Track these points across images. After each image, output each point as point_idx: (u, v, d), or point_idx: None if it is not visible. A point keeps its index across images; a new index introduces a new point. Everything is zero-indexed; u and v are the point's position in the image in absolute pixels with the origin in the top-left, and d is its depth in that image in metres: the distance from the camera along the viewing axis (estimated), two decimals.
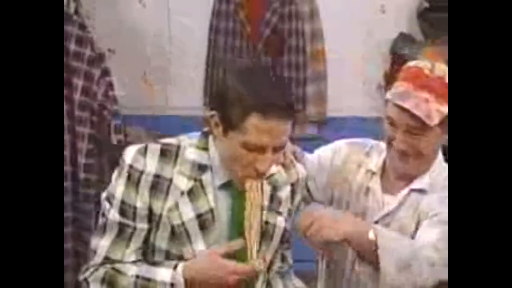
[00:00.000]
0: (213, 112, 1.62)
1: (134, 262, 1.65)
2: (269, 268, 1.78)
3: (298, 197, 1.81)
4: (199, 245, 1.64)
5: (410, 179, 1.87)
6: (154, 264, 1.65)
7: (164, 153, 1.65)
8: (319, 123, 3.97)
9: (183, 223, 1.63)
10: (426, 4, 3.76)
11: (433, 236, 1.75)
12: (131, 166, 1.64)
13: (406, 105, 1.74)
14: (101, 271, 1.64)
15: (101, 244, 1.66)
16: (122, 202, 1.64)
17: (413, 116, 1.74)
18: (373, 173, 1.91)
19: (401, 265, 1.70)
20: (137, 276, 1.61)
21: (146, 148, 1.66)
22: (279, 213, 1.72)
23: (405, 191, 1.87)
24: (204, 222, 1.64)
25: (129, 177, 1.64)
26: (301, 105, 3.95)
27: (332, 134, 3.99)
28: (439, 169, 1.87)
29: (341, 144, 2.01)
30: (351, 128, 3.84)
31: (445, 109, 1.74)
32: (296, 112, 3.91)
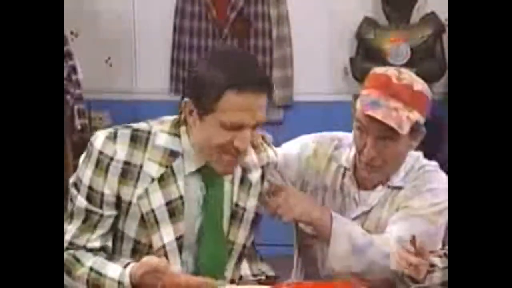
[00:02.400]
0: (187, 99, 1.61)
1: (96, 251, 1.64)
2: (241, 255, 1.77)
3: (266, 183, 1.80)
4: (168, 233, 1.64)
5: (386, 175, 1.87)
6: (110, 259, 1.64)
7: (134, 138, 1.63)
8: (285, 108, 3.98)
9: (152, 210, 1.62)
10: None
11: (398, 228, 1.78)
12: (100, 152, 1.61)
13: (378, 115, 1.75)
14: (64, 257, 1.63)
15: (68, 229, 1.65)
16: (90, 189, 1.63)
17: (384, 124, 1.75)
18: (346, 169, 1.91)
19: (354, 249, 1.74)
20: (91, 268, 1.60)
21: (116, 134, 1.63)
22: (250, 195, 1.72)
23: (383, 188, 1.87)
24: (173, 210, 1.63)
25: (97, 163, 1.62)
26: None
27: (298, 119, 4.03)
28: (410, 162, 1.87)
29: (307, 139, 2.00)
30: (317, 112, 3.88)
31: (414, 116, 1.76)
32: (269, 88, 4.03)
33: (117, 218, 1.65)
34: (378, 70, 1.86)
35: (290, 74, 3.99)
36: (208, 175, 1.65)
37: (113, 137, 1.63)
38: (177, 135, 1.64)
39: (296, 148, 1.98)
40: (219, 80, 1.54)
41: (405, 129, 1.75)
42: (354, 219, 1.87)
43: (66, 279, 1.62)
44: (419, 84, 1.80)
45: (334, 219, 1.77)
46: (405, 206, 1.84)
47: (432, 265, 1.71)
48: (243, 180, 1.71)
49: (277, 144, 2.03)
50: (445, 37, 3.79)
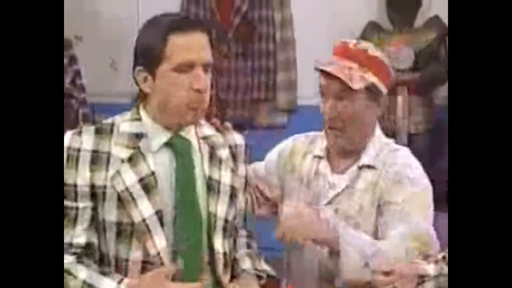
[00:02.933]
0: (138, 67, 1.71)
1: (84, 257, 1.67)
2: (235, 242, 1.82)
3: (241, 166, 1.85)
4: (146, 208, 1.68)
5: (355, 157, 1.95)
6: (104, 273, 1.67)
7: (99, 131, 1.72)
8: (289, 112, 4.01)
9: (127, 188, 1.68)
10: None
11: (393, 233, 1.83)
12: (68, 148, 1.69)
13: (329, 69, 1.87)
14: None
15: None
16: (64, 185, 1.68)
17: (338, 84, 1.87)
18: (320, 157, 1.99)
19: (365, 260, 1.78)
20: (84, 282, 1.63)
21: (80, 130, 1.73)
22: (222, 169, 1.79)
23: (353, 168, 1.94)
24: (147, 186, 1.69)
25: (67, 158, 1.68)
26: (271, 94, 3.99)
27: (302, 123, 4.04)
28: (380, 144, 1.96)
29: (286, 142, 2.10)
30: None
31: (369, 77, 1.89)
32: (265, 101, 4.02)
33: (95, 210, 1.69)
34: (341, 40, 2.00)
35: (294, 78, 4.02)
36: (176, 148, 1.73)
37: (79, 132, 1.72)
38: (138, 119, 1.73)
39: (275, 154, 2.10)
40: (162, 29, 1.67)
41: (356, 85, 1.86)
42: (329, 202, 1.93)
43: None
44: (375, 51, 1.93)
45: (342, 236, 1.80)
46: (389, 202, 1.88)
47: (422, 276, 1.74)
48: (212, 156, 1.78)
49: None
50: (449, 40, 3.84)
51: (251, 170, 2.03)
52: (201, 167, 1.75)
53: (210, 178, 1.76)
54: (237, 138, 1.86)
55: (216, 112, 3.97)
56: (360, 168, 1.93)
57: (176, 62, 1.66)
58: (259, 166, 2.11)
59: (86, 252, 1.69)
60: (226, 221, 1.77)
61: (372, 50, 1.93)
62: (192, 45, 1.68)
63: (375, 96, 1.92)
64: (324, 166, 1.97)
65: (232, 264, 1.81)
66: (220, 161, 1.79)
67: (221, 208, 1.76)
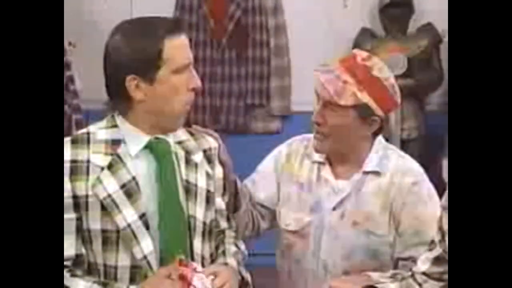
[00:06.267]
0: (131, 75, 1.67)
1: (77, 269, 1.67)
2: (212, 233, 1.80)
3: (217, 168, 1.86)
4: (130, 213, 1.69)
5: (358, 164, 1.93)
6: (106, 285, 1.67)
7: (75, 141, 1.71)
8: (283, 118, 4.02)
9: (109, 195, 1.67)
10: (387, 0, 3.84)
11: (421, 265, 1.79)
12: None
13: (322, 78, 1.86)
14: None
15: None
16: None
17: (326, 90, 1.86)
18: (321, 163, 1.96)
19: None
20: None
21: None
22: (197, 173, 1.79)
23: (358, 174, 1.92)
24: (129, 191, 1.69)
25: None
26: (265, 100, 4.00)
27: (296, 128, 4.05)
28: (383, 151, 1.94)
29: (280, 148, 2.08)
30: None
31: (362, 96, 1.84)
32: (259, 107, 4.02)
33: (79, 220, 1.68)
34: (357, 51, 1.96)
35: (288, 84, 4.03)
36: (157, 150, 1.73)
37: None
38: (115, 126, 1.72)
39: (270, 161, 2.07)
40: (157, 35, 1.68)
41: (343, 100, 1.83)
42: (334, 208, 1.92)
43: None
44: (382, 73, 1.86)
45: None
46: (415, 218, 1.87)
47: None
48: (188, 160, 1.78)
49: None
50: (442, 47, 3.85)
51: (247, 183, 2.03)
52: (179, 171, 1.75)
53: (187, 181, 1.76)
54: (211, 142, 1.86)
55: (209, 118, 3.99)
56: (365, 173, 1.91)
57: (179, 63, 1.68)
58: (252, 177, 2.07)
59: (76, 264, 1.68)
60: (204, 224, 1.78)
61: (378, 71, 1.87)
62: (186, 45, 1.71)
63: (365, 115, 1.87)
64: (326, 171, 1.95)
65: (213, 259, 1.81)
66: (196, 165, 1.79)
67: (199, 211, 1.77)
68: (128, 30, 1.71)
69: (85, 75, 3.75)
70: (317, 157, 1.97)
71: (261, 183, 2.06)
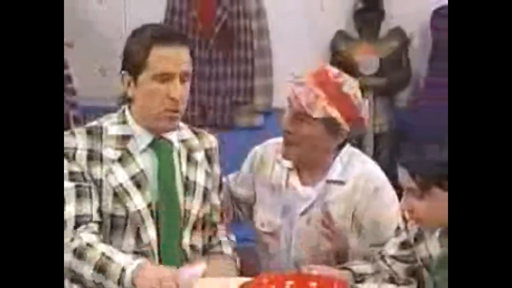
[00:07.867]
0: (123, 72, 1.80)
1: (103, 241, 1.73)
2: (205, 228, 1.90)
3: (216, 166, 1.94)
4: (139, 201, 1.77)
5: (323, 171, 1.96)
6: (120, 250, 1.73)
7: (90, 132, 1.82)
8: (265, 114, 4.11)
9: (120, 184, 1.77)
10: (361, 5, 3.91)
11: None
12: (65, 148, 1.78)
13: (296, 91, 1.88)
14: (75, 243, 1.71)
15: (67, 210, 1.72)
16: (70, 173, 1.76)
17: (299, 105, 1.87)
18: (289, 169, 1.99)
19: None
20: (103, 254, 1.68)
21: (73, 132, 1.82)
22: (197, 171, 1.87)
23: (322, 182, 1.95)
24: (138, 182, 1.78)
25: (66, 155, 1.77)
26: (249, 97, 4.07)
27: (277, 124, 4.10)
28: (348, 158, 1.96)
29: (256, 149, 2.12)
30: None
31: (331, 110, 1.85)
32: (244, 104, 4.07)
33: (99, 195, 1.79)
34: (328, 66, 1.98)
35: (270, 83, 4.09)
36: (159, 148, 1.82)
37: (71, 134, 1.81)
38: (125, 122, 1.82)
39: (247, 164, 2.13)
40: (145, 41, 1.75)
41: (314, 113, 1.84)
42: (302, 214, 1.98)
43: (76, 262, 1.70)
44: (351, 90, 1.89)
45: None
46: (372, 219, 1.90)
47: (361, 274, 1.80)
48: (189, 158, 1.86)
49: None
50: (410, 49, 3.95)
51: (229, 178, 2.09)
52: (180, 169, 1.84)
53: (187, 178, 1.85)
54: (212, 141, 1.94)
55: (197, 114, 4.03)
56: (328, 182, 1.95)
57: (156, 72, 1.73)
58: (232, 177, 2.15)
59: (99, 230, 1.77)
60: (197, 217, 1.86)
61: (348, 88, 1.88)
62: (173, 57, 1.74)
63: (333, 129, 1.89)
64: (293, 178, 1.98)
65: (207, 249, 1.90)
66: (196, 163, 1.87)
67: (195, 206, 1.85)
68: (134, 32, 1.82)
69: (81, 74, 3.81)
70: (287, 163, 2.00)
71: (240, 181, 2.13)
